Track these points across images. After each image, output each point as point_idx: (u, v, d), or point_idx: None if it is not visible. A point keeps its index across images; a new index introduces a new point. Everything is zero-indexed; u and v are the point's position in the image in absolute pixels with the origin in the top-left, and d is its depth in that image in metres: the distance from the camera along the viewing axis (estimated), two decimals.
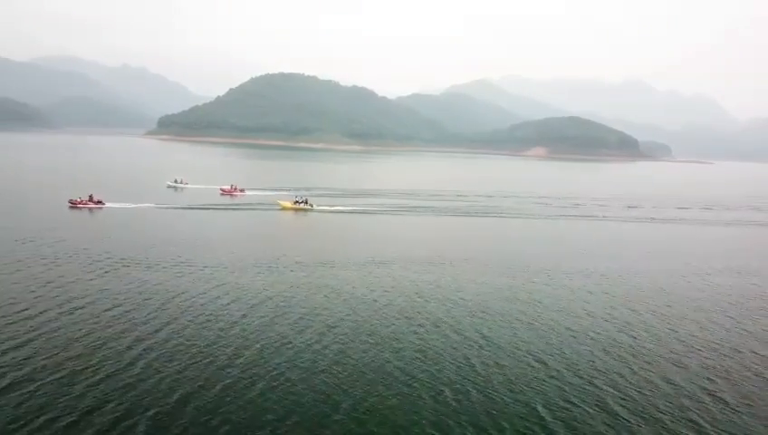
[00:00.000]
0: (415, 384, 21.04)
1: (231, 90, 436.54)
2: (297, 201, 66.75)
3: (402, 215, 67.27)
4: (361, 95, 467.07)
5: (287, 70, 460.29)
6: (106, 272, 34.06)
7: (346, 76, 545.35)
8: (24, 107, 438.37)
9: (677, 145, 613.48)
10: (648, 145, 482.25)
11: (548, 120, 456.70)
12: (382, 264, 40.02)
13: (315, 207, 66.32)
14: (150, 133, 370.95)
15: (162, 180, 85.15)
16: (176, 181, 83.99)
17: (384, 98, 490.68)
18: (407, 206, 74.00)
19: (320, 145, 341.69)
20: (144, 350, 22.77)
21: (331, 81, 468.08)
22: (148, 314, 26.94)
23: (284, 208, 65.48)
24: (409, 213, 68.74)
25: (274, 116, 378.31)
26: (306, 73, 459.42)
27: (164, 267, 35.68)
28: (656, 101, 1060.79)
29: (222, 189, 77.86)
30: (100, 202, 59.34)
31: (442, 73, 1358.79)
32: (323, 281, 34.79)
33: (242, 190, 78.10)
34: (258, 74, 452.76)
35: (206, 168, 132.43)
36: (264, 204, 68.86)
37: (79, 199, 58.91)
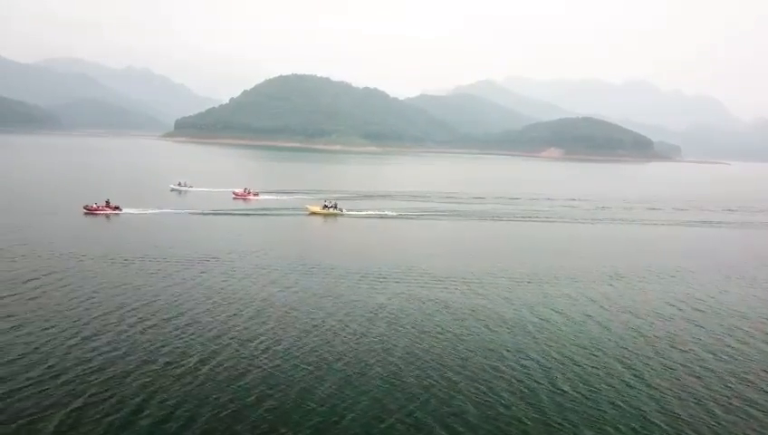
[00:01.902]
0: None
1: (245, 91, 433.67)
2: (326, 206, 63.23)
3: (438, 220, 63.90)
4: (374, 96, 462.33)
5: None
6: (139, 283, 31.81)
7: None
8: (34, 109, 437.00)
9: (683, 145, 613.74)
10: (659, 145, 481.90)
11: (562, 121, 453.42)
12: (440, 275, 36.61)
13: (345, 211, 62.97)
14: (167, 135, 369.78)
15: (174, 184, 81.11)
16: (179, 184, 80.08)
17: (396, 99, 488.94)
18: (441, 210, 70.60)
19: (337, 147, 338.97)
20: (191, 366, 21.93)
21: (343, 82, 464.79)
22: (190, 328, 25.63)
23: (313, 213, 62.05)
24: (444, 217, 65.31)
25: (291, 118, 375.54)
26: (318, 75, 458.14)
27: (204, 279, 33.12)
28: (659, 101, 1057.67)
29: (235, 193, 74.05)
30: (117, 208, 55.89)
31: (444, 74, 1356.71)
32: (375, 294, 31.83)
33: (255, 194, 74.39)
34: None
35: (221, 170, 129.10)
36: (291, 209, 65.43)
37: (95, 205, 55.41)
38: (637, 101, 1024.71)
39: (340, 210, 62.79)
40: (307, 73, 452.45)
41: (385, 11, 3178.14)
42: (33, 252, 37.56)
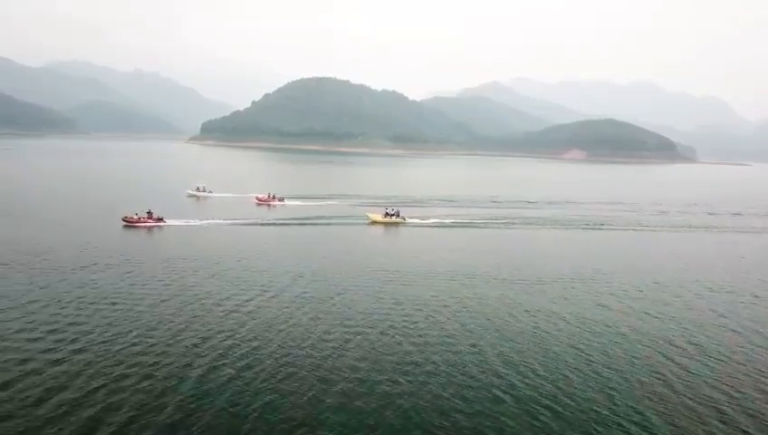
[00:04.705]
0: None
1: (266, 95, 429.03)
2: (388, 213, 59.20)
3: (510, 228, 59.08)
4: (393, 99, 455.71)
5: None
6: (201, 311, 28.25)
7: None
8: (49, 113, 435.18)
9: (693, 146, 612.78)
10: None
11: (584, 123, 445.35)
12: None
13: (407, 219, 59.18)
14: (194, 139, 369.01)
15: (192, 189, 74.98)
16: (198, 189, 74.19)
17: (414, 101, 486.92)
18: (507, 216, 65.99)
19: (364, 149, 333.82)
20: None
21: (362, 85, 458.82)
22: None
23: (374, 222, 58.19)
24: (514, 225, 60.51)
25: (315, 121, 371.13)
26: (338, 77, 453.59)
27: (278, 304, 29.46)
28: (666, 102, 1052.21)
29: (258, 199, 70.22)
30: (160, 220, 51.09)
31: (450, 76, 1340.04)
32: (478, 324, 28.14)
33: (281, 200, 70.55)
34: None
35: (257, 174, 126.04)
36: (352, 216, 61.42)
37: (135, 217, 50.25)
38: (644, 101, 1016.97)
39: (403, 218, 59.02)
40: (327, 76, 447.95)
41: (384, 12, 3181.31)
42: (72, 280, 32.08)
